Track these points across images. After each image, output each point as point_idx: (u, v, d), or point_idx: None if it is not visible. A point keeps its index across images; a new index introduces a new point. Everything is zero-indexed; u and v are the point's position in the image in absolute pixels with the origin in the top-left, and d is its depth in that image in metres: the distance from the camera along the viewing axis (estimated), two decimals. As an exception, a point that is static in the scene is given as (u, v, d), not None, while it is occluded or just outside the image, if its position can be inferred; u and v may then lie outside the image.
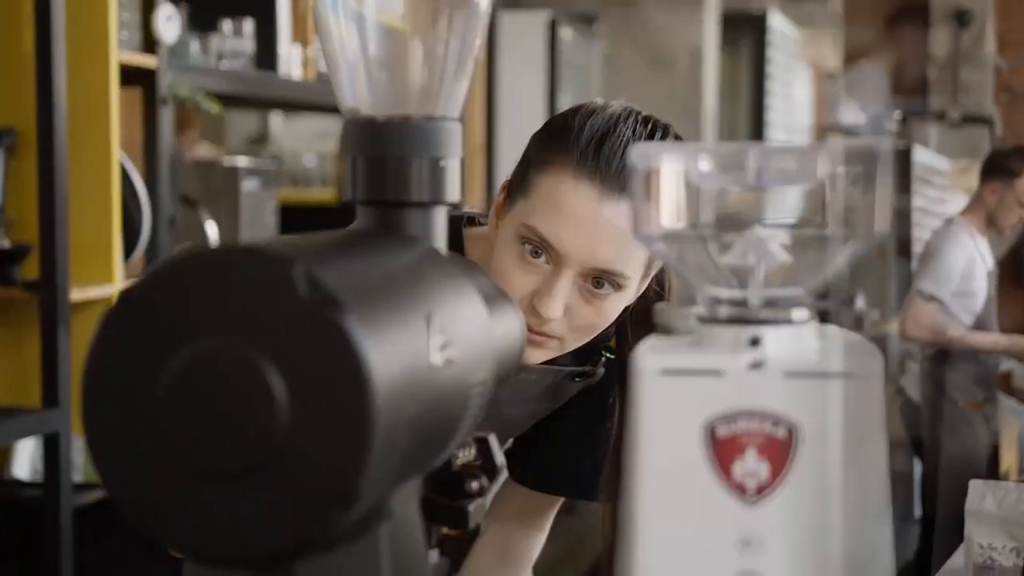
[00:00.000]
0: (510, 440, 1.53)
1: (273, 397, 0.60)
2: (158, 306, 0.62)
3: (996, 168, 4.54)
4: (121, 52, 2.64)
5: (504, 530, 1.49)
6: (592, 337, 1.32)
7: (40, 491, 2.49)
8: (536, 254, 1.27)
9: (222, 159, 3.36)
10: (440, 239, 0.82)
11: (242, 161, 3.29)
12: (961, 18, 9.26)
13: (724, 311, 0.71)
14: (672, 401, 0.69)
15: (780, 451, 0.68)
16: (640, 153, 0.71)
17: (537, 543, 1.56)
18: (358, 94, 0.83)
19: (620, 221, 1.24)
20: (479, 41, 0.85)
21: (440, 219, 0.82)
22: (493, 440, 0.94)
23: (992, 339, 4.59)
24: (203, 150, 4.11)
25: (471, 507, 0.87)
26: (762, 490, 0.68)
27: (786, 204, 0.74)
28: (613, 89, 4.78)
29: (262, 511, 0.62)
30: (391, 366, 0.62)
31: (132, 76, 2.73)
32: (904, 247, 6.47)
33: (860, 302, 6.21)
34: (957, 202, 8.18)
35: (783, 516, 0.68)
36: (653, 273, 1.35)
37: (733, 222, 0.73)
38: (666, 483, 0.69)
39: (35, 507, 2.48)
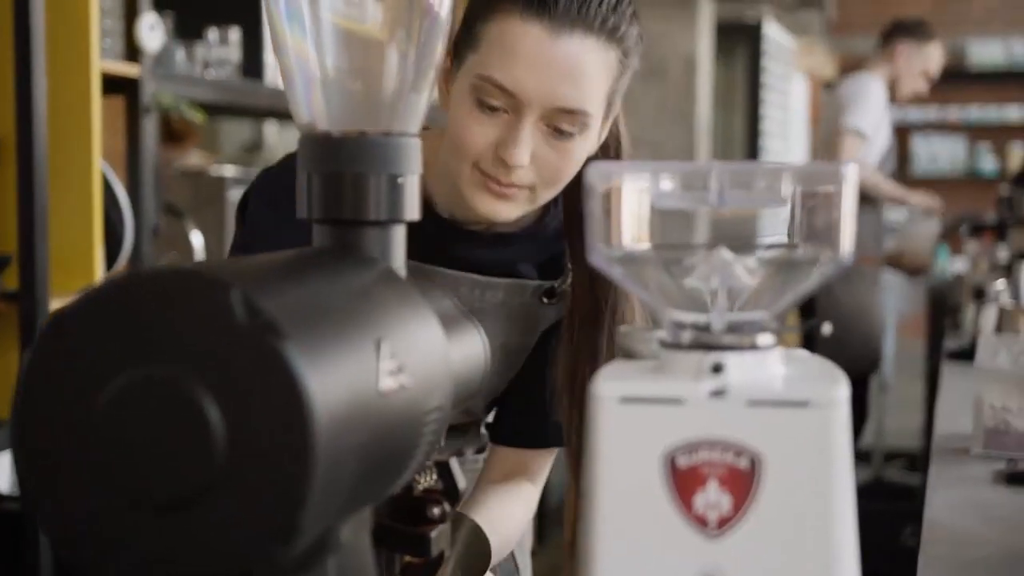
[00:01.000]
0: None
1: (209, 426, 0.58)
2: (93, 329, 0.60)
3: (909, 31, 4.63)
4: (104, 60, 2.61)
5: (492, 494, 1.43)
6: (561, 187, 1.30)
7: (20, 504, 2.47)
8: (493, 108, 1.24)
9: (210, 168, 3.33)
10: (399, 258, 0.79)
11: (229, 171, 3.26)
12: None
13: (687, 336, 0.69)
14: (631, 430, 0.66)
15: (742, 482, 0.65)
16: (599, 172, 0.69)
17: (530, 499, 1.48)
18: (314, 109, 0.80)
19: (575, 56, 1.22)
20: (439, 51, 0.83)
21: (399, 237, 0.79)
22: (454, 464, 0.92)
23: (901, 191, 4.67)
24: (195, 158, 4.08)
25: (433, 534, 0.84)
26: (724, 523, 0.66)
27: (752, 225, 0.71)
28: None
29: (199, 544, 0.59)
30: (335, 394, 0.60)
31: (115, 85, 2.70)
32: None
33: None
34: (799, 81, 8.26)
35: (746, 550, 0.66)
36: (613, 115, 1.32)
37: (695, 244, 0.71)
38: (625, 515, 0.66)
39: (15, 519, 2.45)
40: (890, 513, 4.06)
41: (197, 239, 3.07)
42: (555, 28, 1.21)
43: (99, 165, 2.54)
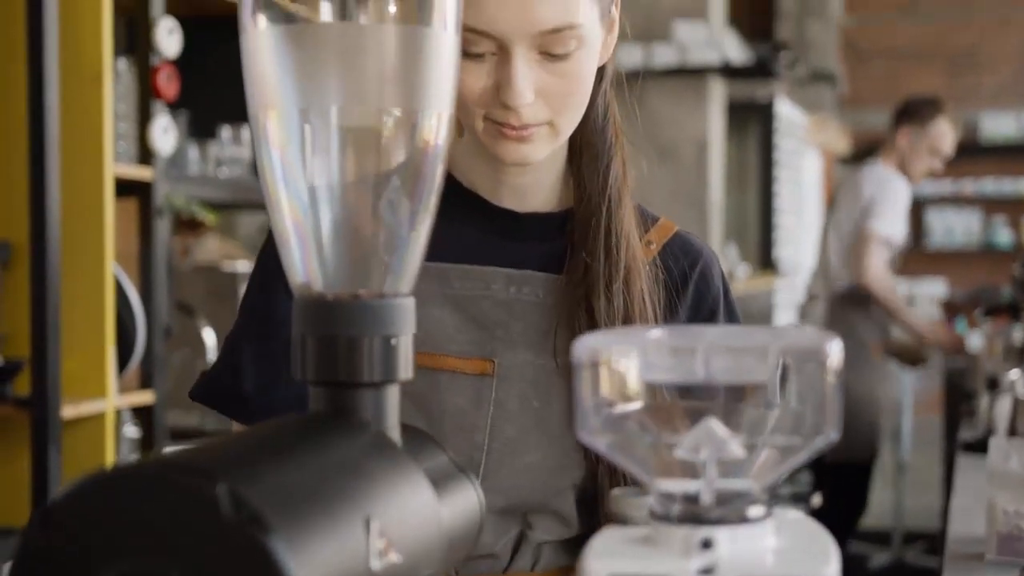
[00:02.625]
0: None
1: (196, 621, 0.58)
2: (79, 523, 0.60)
3: (909, 114, 4.68)
4: (117, 164, 2.64)
5: None
6: (583, 110, 1.20)
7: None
8: (480, 55, 1.16)
9: (222, 263, 3.36)
10: (392, 418, 0.80)
11: (242, 266, 3.28)
12: None
13: (676, 509, 0.69)
14: (621, 607, 0.66)
15: (733, 663, 0.65)
16: (586, 345, 0.69)
17: None
18: (309, 270, 0.81)
19: None
20: (430, 211, 0.83)
21: (392, 398, 0.80)
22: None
23: (914, 321, 4.68)
24: (211, 244, 4.11)
25: None
26: None
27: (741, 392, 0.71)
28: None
29: None
30: (322, 583, 0.60)
31: (128, 187, 2.73)
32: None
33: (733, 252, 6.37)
34: (812, 156, 8.31)
35: None
36: (615, 10, 1.24)
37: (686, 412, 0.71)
38: None
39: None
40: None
41: (209, 336, 3.08)
42: None
43: (112, 269, 2.56)
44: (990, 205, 9.93)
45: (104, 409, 2.57)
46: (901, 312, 4.62)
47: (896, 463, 5.61)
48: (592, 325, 1.23)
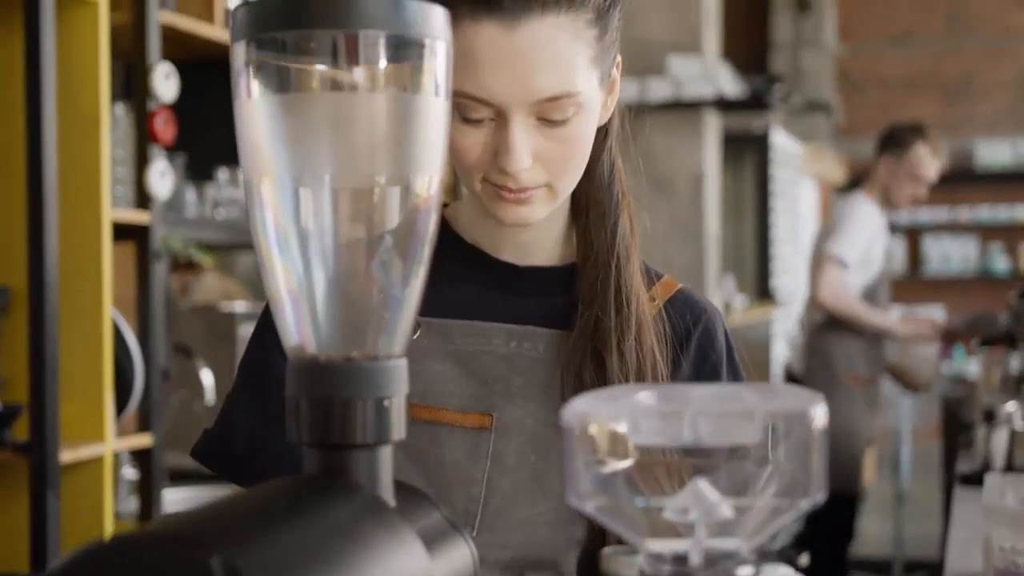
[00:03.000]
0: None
1: None
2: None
3: (888, 142, 4.74)
4: (115, 209, 2.65)
5: None
6: (581, 171, 1.21)
7: None
8: (478, 120, 1.16)
9: (220, 304, 3.37)
10: (385, 479, 0.81)
11: (240, 306, 3.29)
12: (801, 3, 9.42)
13: (666, 568, 0.70)
14: (612, 669, 0.67)
15: None
16: (575, 410, 0.70)
17: None
18: (302, 333, 0.82)
19: (538, 41, 1.13)
20: (422, 273, 0.85)
21: (386, 458, 0.81)
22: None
23: (886, 320, 4.69)
24: (210, 281, 4.12)
25: None
26: None
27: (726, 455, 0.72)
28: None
29: None
30: (316, 652, 0.61)
31: (126, 231, 2.74)
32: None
33: (730, 283, 6.43)
34: (808, 185, 8.35)
35: None
36: (613, 76, 1.24)
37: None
38: None
39: None
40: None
41: (207, 377, 3.09)
42: (507, 20, 1.13)
43: (110, 313, 2.57)
44: (986, 232, 9.96)
45: (102, 453, 2.57)
46: (865, 317, 4.62)
47: (895, 492, 5.61)
48: (603, 381, 1.23)
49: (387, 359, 0.81)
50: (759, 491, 0.70)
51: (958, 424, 4.35)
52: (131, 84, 2.85)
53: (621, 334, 1.24)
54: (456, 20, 1.14)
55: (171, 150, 2.93)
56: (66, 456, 2.45)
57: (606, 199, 1.28)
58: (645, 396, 0.72)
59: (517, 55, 1.13)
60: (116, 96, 2.84)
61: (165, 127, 2.77)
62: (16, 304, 2.49)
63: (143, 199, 2.75)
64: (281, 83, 0.79)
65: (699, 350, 1.32)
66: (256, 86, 0.80)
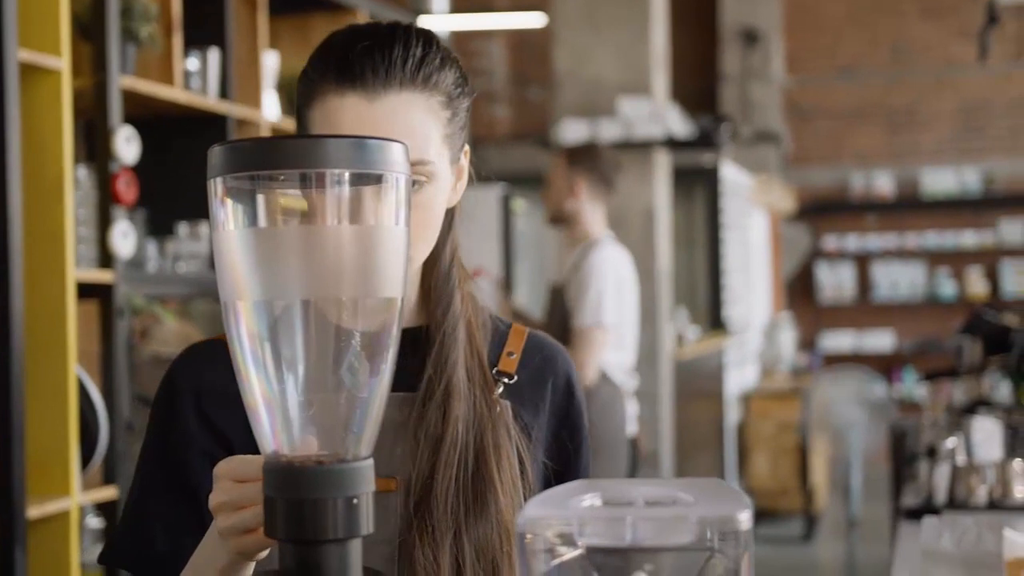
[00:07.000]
0: None
1: None
2: None
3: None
4: (79, 269, 2.71)
5: None
6: (432, 244, 1.29)
7: None
8: None
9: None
10: (355, 570, 0.89)
11: (200, 356, 3.34)
12: (749, 36, 9.56)
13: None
14: None
15: None
16: (529, 521, 0.78)
17: None
18: (278, 440, 0.90)
19: (396, 113, 1.23)
20: (386, 381, 0.93)
21: (355, 551, 0.89)
22: None
23: None
24: (169, 325, 4.16)
25: None
26: None
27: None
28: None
29: None
30: None
31: (89, 290, 2.80)
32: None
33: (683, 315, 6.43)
34: (758, 215, 8.49)
35: None
36: (463, 159, 1.32)
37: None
38: None
39: None
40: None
41: (171, 428, 3.13)
42: (369, 93, 1.23)
43: (74, 371, 2.63)
44: (933, 258, 10.15)
45: (68, 508, 2.63)
46: None
47: (847, 518, 5.72)
48: (444, 439, 1.27)
49: (355, 461, 0.90)
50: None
51: (904, 453, 4.45)
52: (93, 147, 2.91)
53: (464, 396, 1.29)
54: (323, 92, 1.25)
55: (132, 207, 3.00)
56: (32, 512, 2.51)
57: (444, 286, 1.34)
58: (591, 501, 0.80)
59: (377, 123, 1.23)
60: (79, 159, 2.90)
61: (127, 188, 2.83)
62: (-17, 364, 2.54)
63: (106, 258, 2.82)
64: (254, 216, 0.88)
65: (554, 395, 1.39)
66: (231, 220, 0.88)
